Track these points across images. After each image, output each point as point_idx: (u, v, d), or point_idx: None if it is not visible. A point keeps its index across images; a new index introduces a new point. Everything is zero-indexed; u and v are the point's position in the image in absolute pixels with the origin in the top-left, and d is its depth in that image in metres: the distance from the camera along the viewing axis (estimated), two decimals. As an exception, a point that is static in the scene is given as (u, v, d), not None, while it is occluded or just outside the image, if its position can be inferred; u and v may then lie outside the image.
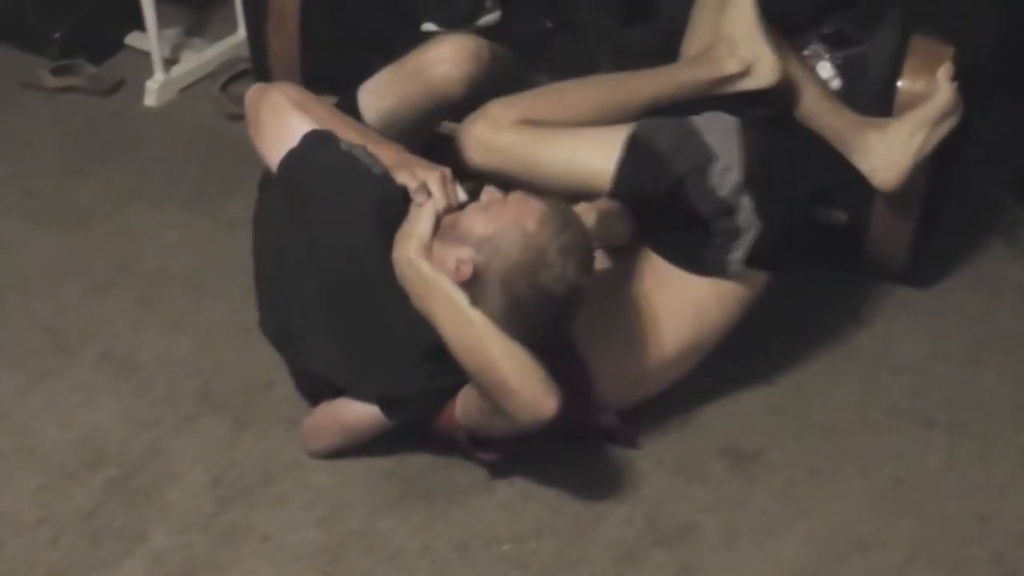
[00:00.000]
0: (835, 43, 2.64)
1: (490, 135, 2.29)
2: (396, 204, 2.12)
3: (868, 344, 2.63)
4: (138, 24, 3.45)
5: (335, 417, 2.27)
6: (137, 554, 2.16)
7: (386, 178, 2.13)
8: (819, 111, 2.48)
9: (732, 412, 2.45)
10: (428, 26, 2.82)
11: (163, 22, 3.43)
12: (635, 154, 2.24)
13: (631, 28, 2.79)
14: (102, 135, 3.33)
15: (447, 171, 2.16)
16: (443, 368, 2.10)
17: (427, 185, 2.10)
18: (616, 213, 2.27)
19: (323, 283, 2.18)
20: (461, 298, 2.03)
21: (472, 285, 2.02)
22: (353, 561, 2.15)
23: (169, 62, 3.49)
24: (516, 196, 2.09)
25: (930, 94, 2.41)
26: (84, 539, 2.18)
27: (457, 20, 2.80)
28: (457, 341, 2.04)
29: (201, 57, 3.56)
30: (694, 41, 2.53)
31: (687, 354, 2.33)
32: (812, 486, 2.30)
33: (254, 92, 2.31)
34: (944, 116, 2.40)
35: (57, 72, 3.48)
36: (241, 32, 3.53)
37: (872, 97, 2.54)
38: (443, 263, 2.04)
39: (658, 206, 2.27)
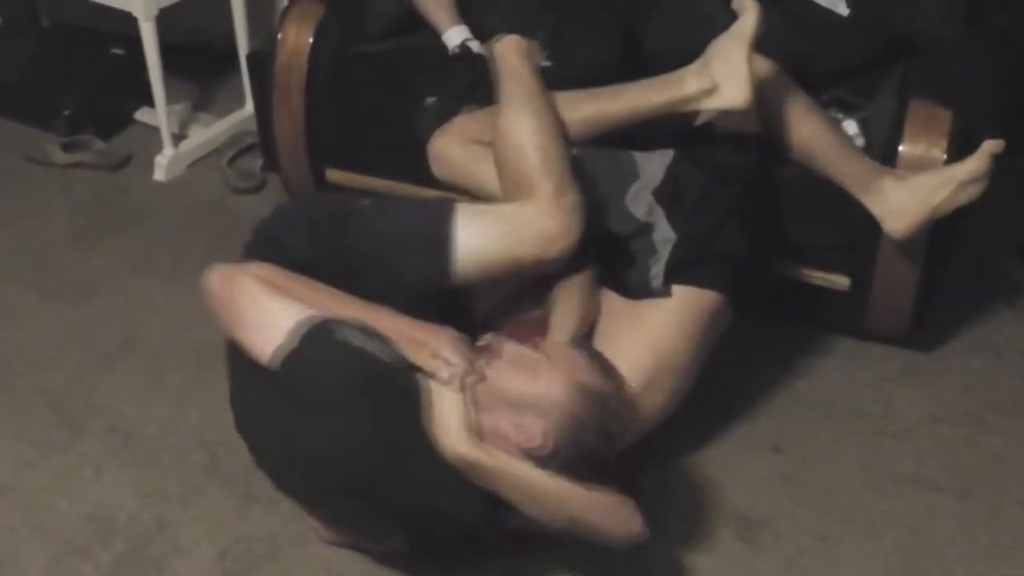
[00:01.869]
0: (839, 108, 2.67)
1: (444, 149, 2.49)
2: (413, 390, 2.01)
3: (872, 408, 2.64)
4: (147, 100, 3.51)
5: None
6: (145, 629, 2.16)
7: (394, 363, 2.02)
8: (837, 155, 2.49)
9: (737, 479, 2.45)
10: (431, 101, 2.86)
11: (171, 97, 3.48)
12: None
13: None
14: (110, 209, 3.37)
15: (452, 331, 2.12)
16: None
17: (442, 354, 2.06)
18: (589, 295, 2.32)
19: (338, 482, 2.05)
20: (530, 471, 1.99)
21: (540, 449, 2.00)
22: (359, 634, 2.15)
23: (177, 137, 3.55)
24: (556, 351, 2.09)
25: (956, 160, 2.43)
26: (92, 615, 2.19)
27: (458, 94, 2.83)
28: (539, 511, 2.01)
29: (209, 132, 3.61)
30: None
31: (657, 384, 2.28)
32: (819, 553, 2.30)
33: (217, 280, 2.12)
34: (972, 182, 2.39)
35: (67, 148, 3.53)
36: (248, 106, 3.59)
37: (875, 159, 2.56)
38: (497, 432, 2.00)
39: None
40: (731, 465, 2.48)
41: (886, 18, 2.74)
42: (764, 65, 2.43)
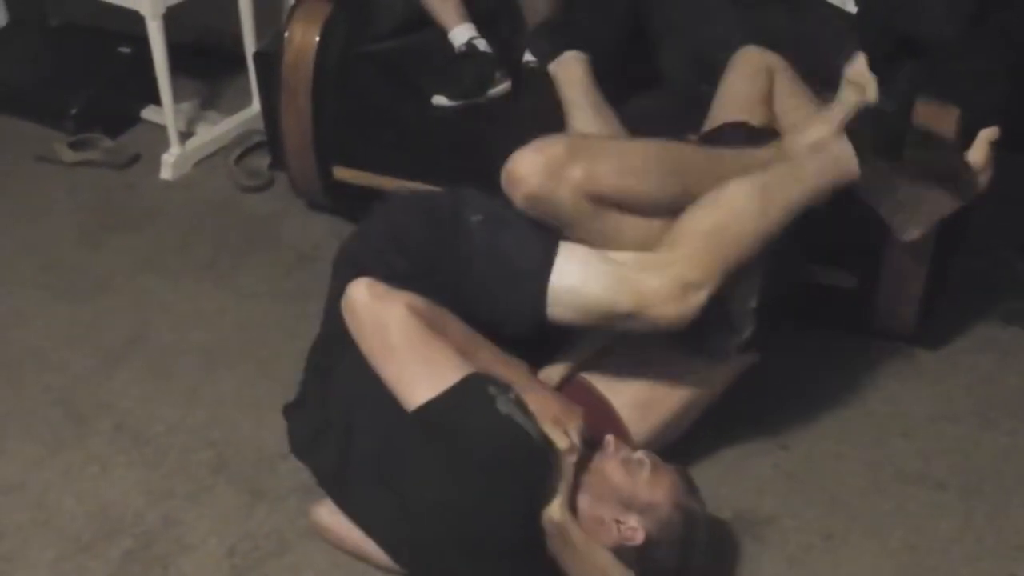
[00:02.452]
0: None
1: (546, 188, 2.13)
2: (548, 471, 2.03)
3: (879, 407, 2.64)
4: (154, 98, 3.51)
5: (357, 540, 2.21)
6: (153, 625, 2.17)
7: (541, 449, 2.02)
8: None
9: (744, 477, 2.45)
10: (438, 99, 2.87)
11: (178, 96, 3.50)
12: None
13: (639, 96, 2.83)
14: (117, 208, 3.38)
15: (581, 410, 2.16)
16: None
17: (571, 435, 2.07)
18: None
19: (424, 515, 2.07)
20: (611, 563, 2.03)
21: (635, 550, 2.04)
22: (367, 631, 2.16)
23: (184, 135, 3.55)
24: (659, 464, 2.12)
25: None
26: (99, 612, 2.20)
27: (467, 93, 2.84)
28: None
29: (216, 130, 3.62)
30: (727, 110, 2.54)
31: (687, 410, 2.38)
32: (825, 551, 2.30)
33: (370, 299, 2.09)
34: (976, 173, 2.37)
35: (74, 146, 3.54)
36: (255, 105, 3.60)
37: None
38: (600, 521, 2.06)
39: None
40: (737, 463, 2.48)
41: (890, 17, 2.73)
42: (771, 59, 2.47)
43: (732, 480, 2.44)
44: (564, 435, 2.06)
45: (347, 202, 3.11)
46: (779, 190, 2.20)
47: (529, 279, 2.14)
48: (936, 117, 2.49)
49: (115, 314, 2.95)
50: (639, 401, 2.32)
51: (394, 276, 2.15)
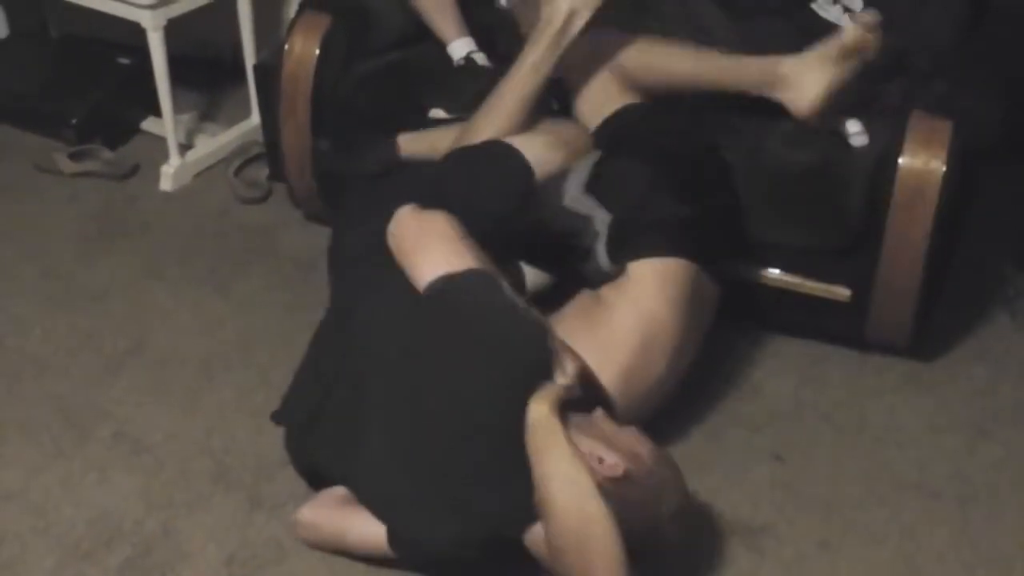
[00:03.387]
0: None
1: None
2: (546, 368, 2.12)
3: (874, 417, 2.65)
4: (154, 110, 3.53)
5: (337, 527, 2.25)
6: (151, 633, 2.18)
7: (542, 337, 2.13)
8: (729, 71, 2.64)
9: (740, 486, 2.47)
10: (436, 112, 2.89)
11: (178, 107, 3.51)
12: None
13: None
14: (117, 218, 3.40)
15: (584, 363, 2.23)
16: (485, 543, 2.12)
17: (568, 369, 2.15)
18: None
19: (428, 411, 2.15)
20: (587, 477, 1.99)
21: (614, 481, 2.02)
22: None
23: (184, 147, 3.57)
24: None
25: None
26: (99, 619, 2.21)
27: (465, 106, 2.86)
28: (562, 498, 2.00)
29: (215, 142, 3.63)
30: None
31: (650, 355, 2.36)
32: (821, 560, 2.31)
33: (415, 211, 2.30)
34: (851, 52, 2.57)
35: (74, 157, 3.56)
36: (255, 117, 3.62)
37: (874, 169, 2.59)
38: (579, 446, 2.05)
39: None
40: (733, 472, 2.50)
41: (886, 29, 2.76)
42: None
43: (728, 489, 2.45)
44: (572, 358, 2.15)
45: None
46: None
47: (507, 155, 2.46)
48: (929, 132, 2.51)
49: (114, 323, 2.96)
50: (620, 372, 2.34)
51: None
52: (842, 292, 2.67)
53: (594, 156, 2.56)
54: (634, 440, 2.11)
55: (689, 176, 2.53)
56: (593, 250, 2.44)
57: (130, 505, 2.43)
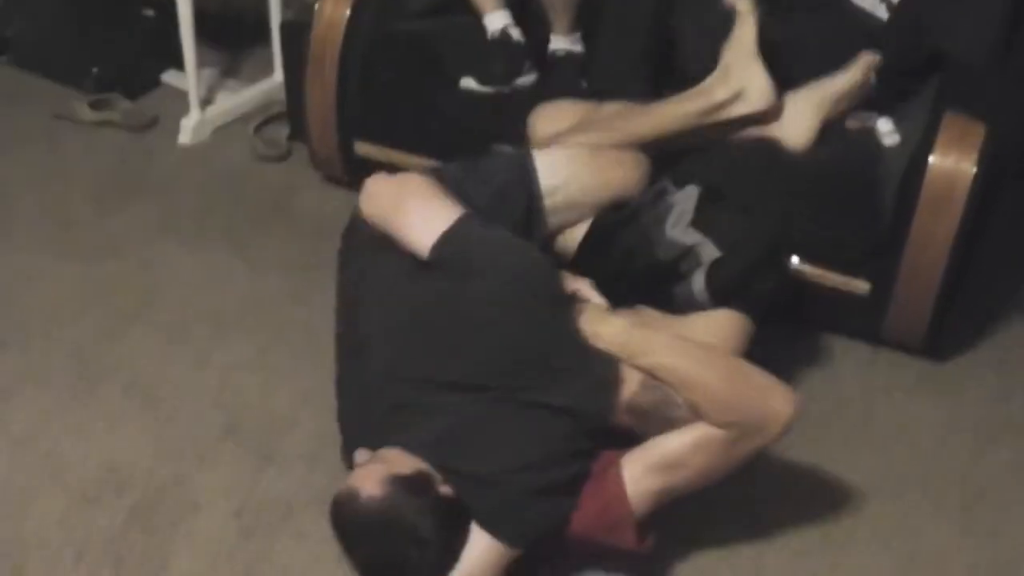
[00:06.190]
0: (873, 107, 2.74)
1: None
2: (557, 281, 2.24)
3: (883, 415, 2.66)
4: (176, 63, 3.52)
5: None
6: (160, 581, 2.18)
7: (545, 255, 2.26)
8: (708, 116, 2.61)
9: (743, 476, 2.45)
10: (467, 82, 2.88)
11: (200, 62, 3.49)
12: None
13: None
14: (134, 171, 3.38)
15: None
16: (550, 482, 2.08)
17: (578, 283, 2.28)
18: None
19: (474, 359, 2.12)
20: (683, 340, 2.16)
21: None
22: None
23: (204, 102, 3.55)
24: None
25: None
26: (107, 564, 2.20)
27: (495, 79, 2.86)
28: (697, 367, 2.09)
29: (236, 98, 3.62)
30: None
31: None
32: (824, 555, 2.31)
33: (387, 181, 2.31)
34: (847, 95, 2.65)
35: (93, 106, 3.54)
36: (277, 75, 3.60)
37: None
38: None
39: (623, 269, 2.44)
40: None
41: (922, 30, 2.76)
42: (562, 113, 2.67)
43: (733, 481, 2.44)
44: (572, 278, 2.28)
45: (366, 178, 3.11)
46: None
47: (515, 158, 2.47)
48: (962, 133, 2.51)
49: (128, 276, 2.95)
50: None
51: None
52: (862, 286, 2.67)
53: (692, 193, 2.48)
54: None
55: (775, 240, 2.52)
56: (691, 277, 2.38)
57: (140, 455, 2.43)
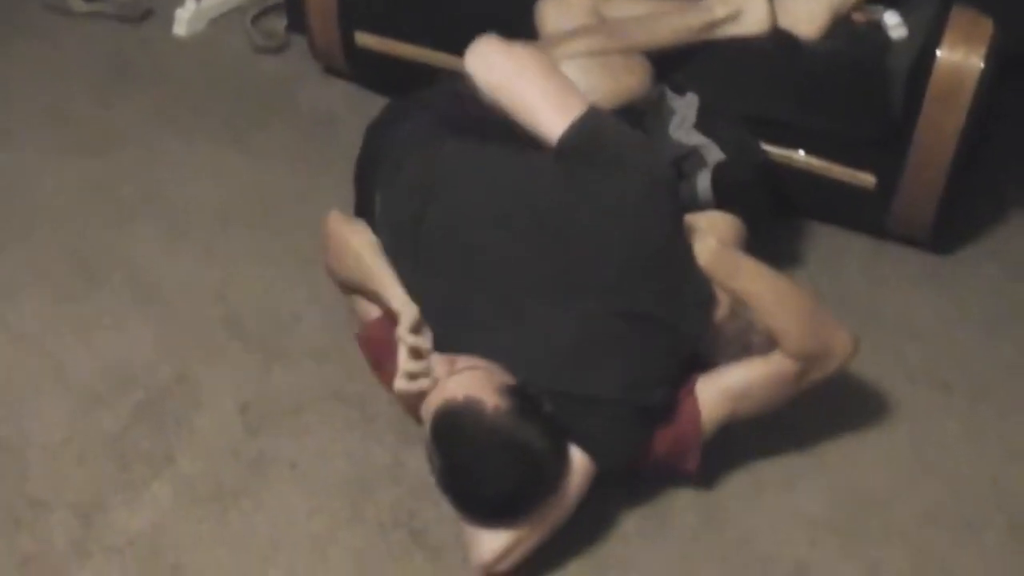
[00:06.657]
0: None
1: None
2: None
3: (889, 309, 2.65)
4: (170, -49, 3.44)
5: (346, 243, 2.20)
6: (165, 477, 2.19)
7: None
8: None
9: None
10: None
11: (195, -49, 3.42)
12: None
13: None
14: (130, 63, 3.33)
15: None
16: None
17: None
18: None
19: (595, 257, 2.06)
20: (763, 266, 2.15)
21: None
22: (381, 492, 2.18)
23: (199, -8, 3.48)
24: None
25: None
26: (112, 461, 2.21)
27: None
28: (775, 289, 2.13)
29: (232, -12, 3.54)
30: None
31: None
32: (832, 442, 2.33)
33: (508, 51, 2.20)
34: None
35: (86, -3, 3.47)
36: (274, -36, 3.52)
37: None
38: None
39: None
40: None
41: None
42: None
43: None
44: None
45: (367, 69, 3.07)
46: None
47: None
48: (970, 26, 2.47)
49: (128, 171, 2.92)
50: None
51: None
52: (867, 179, 2.64)
53: (693, 101, 2.50)
54: None
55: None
56: (695, 177, 2.39)
57: (144, 352, 2.42)
